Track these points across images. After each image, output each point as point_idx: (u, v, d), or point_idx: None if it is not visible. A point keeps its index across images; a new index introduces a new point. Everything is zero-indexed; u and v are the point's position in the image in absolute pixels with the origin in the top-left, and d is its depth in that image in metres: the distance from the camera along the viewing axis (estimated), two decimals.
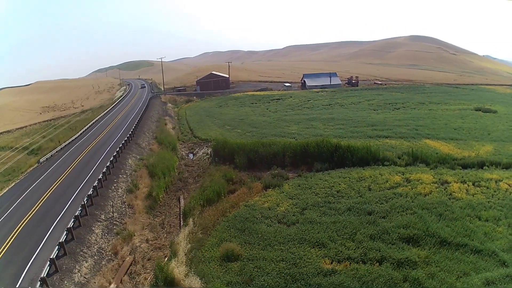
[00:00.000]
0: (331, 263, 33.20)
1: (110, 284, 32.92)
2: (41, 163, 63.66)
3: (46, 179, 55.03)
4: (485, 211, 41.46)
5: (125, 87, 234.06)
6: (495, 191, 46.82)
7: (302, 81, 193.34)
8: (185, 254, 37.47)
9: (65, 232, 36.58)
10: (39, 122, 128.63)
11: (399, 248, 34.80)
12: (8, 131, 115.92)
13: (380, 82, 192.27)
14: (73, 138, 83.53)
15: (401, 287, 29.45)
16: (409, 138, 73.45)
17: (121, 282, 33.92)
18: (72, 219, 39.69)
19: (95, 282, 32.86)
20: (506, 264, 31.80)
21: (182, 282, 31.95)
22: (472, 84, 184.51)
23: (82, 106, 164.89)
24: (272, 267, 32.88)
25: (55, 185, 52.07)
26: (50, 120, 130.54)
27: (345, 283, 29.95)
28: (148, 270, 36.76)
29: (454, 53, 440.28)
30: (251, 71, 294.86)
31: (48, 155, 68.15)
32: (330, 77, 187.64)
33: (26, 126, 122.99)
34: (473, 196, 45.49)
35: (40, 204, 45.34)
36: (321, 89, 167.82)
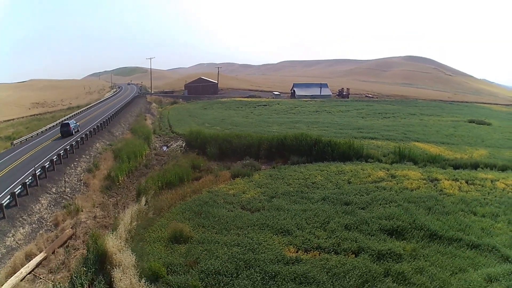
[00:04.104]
0: (296, 251, 27.41)
1: (40, 252, 30.35)
2: (14, 145, 62.32)
3: (13, 156, 53.62)
4: (481, 207, 35.85)
5: (115, 89, 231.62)
6: (491, 189, 41.16)
7: (292, 91, 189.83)
8: (128, 231, 32.05)
9: (8, 196, 35.45)
10: (26, 116, 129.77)
11: (380, 239, 29.00)
12: None
13: (371, 95, 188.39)
14: (51, 125, 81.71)
15: (382, 281, 23.66)
16: (397, 140, 67.96)
17: (53, 252, 31.12)
18: (19, 186, 38.65)
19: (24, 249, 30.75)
20: (510, 260, 26.17)
21: (114, 256, 26.41)
22: (467, 102, 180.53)
23: (71, 104, 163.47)
24: (224, 251, 27.12)
25: (20, 160, 51.19)
26: (37, 115, 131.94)
27: (310, 273, 24.12)
28: None
29: (450, 74, 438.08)
30: (242, 81, 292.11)
31: (23, 138, 66.80)
32: (321, 87, 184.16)
33: (13, 119, 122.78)
34: (466, 193, 39.81)
35: (4, 173, 44.76)
36: (310, 99, 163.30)
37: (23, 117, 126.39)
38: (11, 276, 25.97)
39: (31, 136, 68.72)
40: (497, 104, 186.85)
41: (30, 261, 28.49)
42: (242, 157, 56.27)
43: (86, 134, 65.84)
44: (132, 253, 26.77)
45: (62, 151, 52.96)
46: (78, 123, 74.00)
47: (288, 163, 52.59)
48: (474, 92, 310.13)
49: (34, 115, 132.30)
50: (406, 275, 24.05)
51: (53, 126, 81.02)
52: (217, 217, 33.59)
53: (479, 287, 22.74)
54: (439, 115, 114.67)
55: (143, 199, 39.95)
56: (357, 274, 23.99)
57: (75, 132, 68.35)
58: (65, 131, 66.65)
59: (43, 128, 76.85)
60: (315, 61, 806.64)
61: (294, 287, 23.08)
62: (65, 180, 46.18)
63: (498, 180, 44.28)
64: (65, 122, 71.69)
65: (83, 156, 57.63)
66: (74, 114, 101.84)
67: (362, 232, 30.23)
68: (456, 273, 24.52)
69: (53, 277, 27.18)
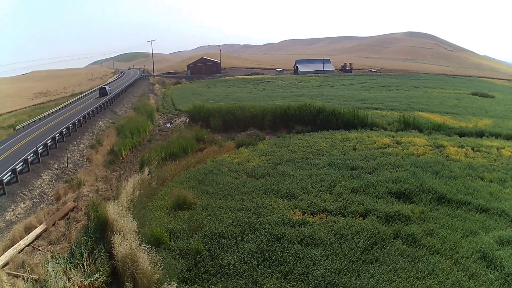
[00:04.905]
0: (302, 214, 27.11)
1: (40, 224, 30.07)
2: (16, 130, 62.15)
3: (17, 139, 52.53)
4: (488, 172, 35.37)
5: (118, 74, 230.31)
6: (497, 157, 40.68)
7: (295, 67, 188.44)
8: (130, 200, 31.78)
9: (9, 173, 35.45)
10: (29, 106, 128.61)
11: (387, 202, 28.68)
12: None
13: (374, 70, 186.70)
14: (54, 110, 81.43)
15: (391, 243, 23.24)
16: (401, 110, 66.93)
17: (53, 224, 30.85)
18: (21, 163, 38.54)
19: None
20: None
21: (115, 223, 26.01)
22: (470, 76, 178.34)
23: (74, 91, 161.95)
24: (228, 215, 26.85)
25: (23, 141, 50.29)
26: (40, 104, 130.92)
27: (317, 235, 23.79)
28: None
29: (451, 50, 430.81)
30: (245, 59, 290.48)
31: (25, 123, 66.22)
32: (323, 63, 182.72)
33: (16, 110, 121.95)
34: (473, 159, 39.41)
35: (5, 155, 43.44)
36: (313, 74, 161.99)
37: (25, 107, 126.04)
38: (9, 249, 25.66)
39: (33, 121, 68.51)
40: (500, 78, 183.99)
41: (29, 233, 28.25)
42: (246, 128, 55.80)
43: (88, 113, 67.99)
44: (133, 220, 26.41)
45: (65, 130, 53.41)
46: (110, 88, 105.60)
47: (292, 132, 52.31)
48: (475, 67, 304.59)
49: (37, 104, 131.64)
50: (416, 237, 23.69)
51: (56, 110, 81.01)
52: (221, 184, 33.29)
53: (492, 250, 22.29)
54: (442, 88, 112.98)
55: (146, 170, 39.56)
56: (365, 236, 23.68)
57: (109, 93, 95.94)
58: (103, 92, 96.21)
59: (46, 113, 76.57)
60: (317, 39, 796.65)
61: (300, 248, 22.66)
62: (67, 156, 46.23)
63: (504, 148, 43.79)
64: (103, 86, 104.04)
65: (86, 134, 58.23)
66: (78, 98, 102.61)
67: (369, 195, 29.91)
68: (467, 236, 24.16)
69: (52, 249, 26.87)
